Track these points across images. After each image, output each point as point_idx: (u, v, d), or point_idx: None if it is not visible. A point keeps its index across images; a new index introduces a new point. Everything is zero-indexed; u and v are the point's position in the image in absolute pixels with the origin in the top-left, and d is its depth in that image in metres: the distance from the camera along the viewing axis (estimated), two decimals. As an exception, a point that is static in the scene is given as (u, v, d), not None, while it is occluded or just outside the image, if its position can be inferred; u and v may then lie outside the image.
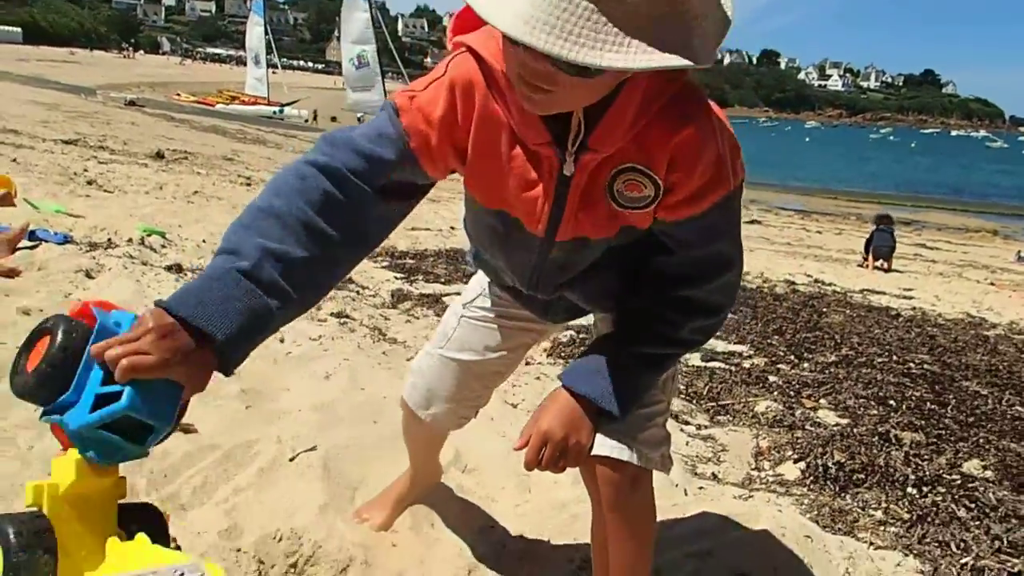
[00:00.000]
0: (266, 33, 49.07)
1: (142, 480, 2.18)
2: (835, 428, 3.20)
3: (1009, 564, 2.13)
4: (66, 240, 4.85)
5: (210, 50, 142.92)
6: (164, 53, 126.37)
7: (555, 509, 2.24)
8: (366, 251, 1.37)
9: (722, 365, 4.18)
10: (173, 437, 2.41)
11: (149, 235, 5.35)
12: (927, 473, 2.75)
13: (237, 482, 2.24)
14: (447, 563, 1.99)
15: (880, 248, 11.48)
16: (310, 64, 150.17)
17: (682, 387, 3.68)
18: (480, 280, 1.77)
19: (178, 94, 46.31)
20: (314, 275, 1.27)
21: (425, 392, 1.83)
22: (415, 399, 1.85)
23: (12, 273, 4.03)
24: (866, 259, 11.49)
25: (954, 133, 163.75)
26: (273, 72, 50.78)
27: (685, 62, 1.06)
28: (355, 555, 1.95)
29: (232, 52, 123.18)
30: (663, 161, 1.30)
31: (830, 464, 2.76)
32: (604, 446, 1.50)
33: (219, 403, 2.73)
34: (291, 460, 2.34)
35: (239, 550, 1.94)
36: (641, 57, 1.05)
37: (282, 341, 3.57)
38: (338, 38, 49.62)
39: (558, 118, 1.27)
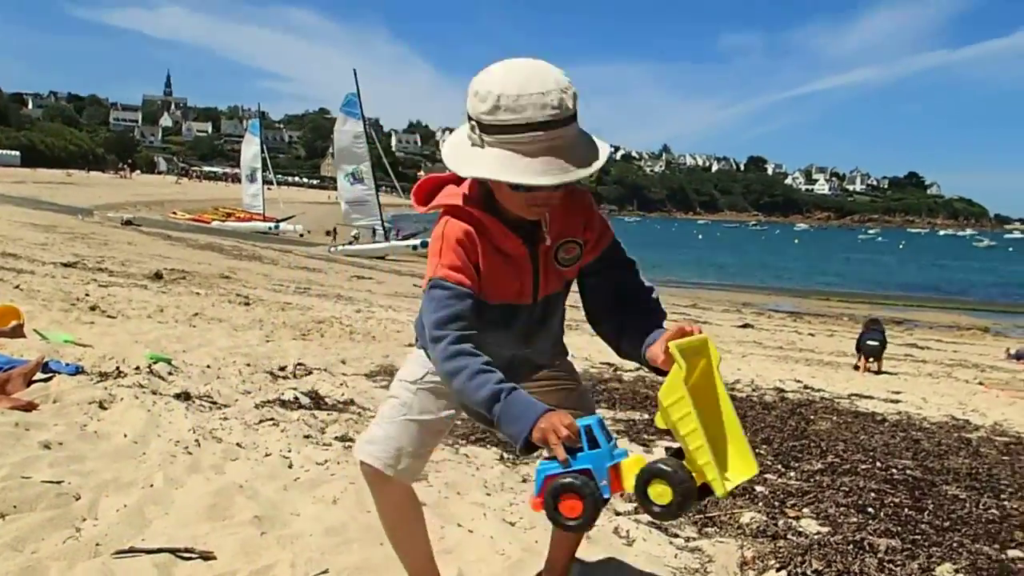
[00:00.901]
0: (262, 151, 50.30)
1: (168, 606, 2.35)
2: (815, 537, 3.37)
3: (972, 665, 2.29)
4: (78, 371, 5.04)
5: (206, 168, 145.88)
6: (161, 172, 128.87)
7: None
8: None
9: (711, 477, 4.34)
10: (194, 565, 2.60)
11: (156, 362, 5.56)
12: (900, 579, 2.92)
13: (256, 604, 2.41)
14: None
15: (870, 348, 11.68)
16: (305, 180, 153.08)
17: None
18: (422, 361, 2.29)
19: (174, 212, 47.16)
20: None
21: (395, 452, 2.23)
22: (385, 458, 2.22)
23: (30, 407, 4.23)
24: (859, 361, 11.68)
25: (941, 232, 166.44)
26: (268, 188, 51.82)
27: (601, 158, 2.00)
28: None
29: (227, 169, 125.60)
30: (580, 227, 2.20)
31: (809, 572, 2.93)
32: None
33: (235, 530, 2.91)
34: (305, 583, 2.51)
35: (260, 670, 2.09)
36: (593, 165, 1.98)
37: (290, 467, 3.76)
38: (332, 155, 50.84)
39: (521, 227, 2.10)
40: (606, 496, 1.80)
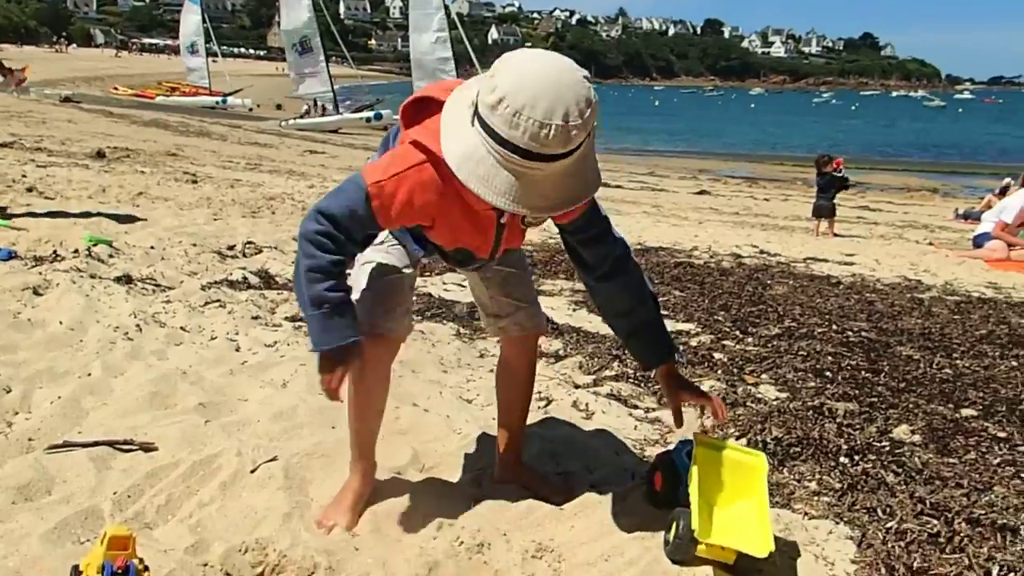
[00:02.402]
0: (204, 21, 48.22)
1: (107, 502, 2.25)
2: (774, 403, 3.35)
3: (929, 525, 2.28)
4: (11, 256, 4.83)
5: (146, 40, 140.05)
6: (98, 46, 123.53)
7: (509, 501, 2.35)
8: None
9: (669, 345, 4.31)
10: (134, 457, 2.49)
11: (96, 245, 5.34)
12: (858, 442, 2.90)
13: (200, 497, 2.32)
14: (408, 563, 2.09)
15: (816, 207, 11.72)
16: (251, 51, 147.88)
17: (630, 371, 3.80)
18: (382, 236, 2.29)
19: (115, 88, 45.43)
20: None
21: (385, 308, 2.25)
22: (377, 315, 2.23)
23: None
24: (814, 225, 11.73)
25: (894, 94, 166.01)
26: (213, 61, 49.98)
27: (575, 200, 1.91)
28: (319, 561, 2.04)
29: (169, 42, 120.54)
30: None
31: (768, 440, 2.91)
32: (541, 323, 2.51)
33: (178, 419, 2.80)
34: (252, 472, 2.42)
35: (206, 564, 2.01)
36: (563, 205, 1.89)
37: (237, 350, 3.64)
38: (278, 23, 48.94)
39: None
40: None
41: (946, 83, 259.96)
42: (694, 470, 2.08)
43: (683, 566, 2.02)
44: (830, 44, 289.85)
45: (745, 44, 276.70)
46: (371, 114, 36.99)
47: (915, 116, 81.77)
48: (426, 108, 2.02)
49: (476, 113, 1.80)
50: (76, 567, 1.81)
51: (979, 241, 9.80)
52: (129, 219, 6.57)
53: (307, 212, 2.05)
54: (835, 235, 11.38)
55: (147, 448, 2.56)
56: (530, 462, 2.68)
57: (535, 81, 1.74)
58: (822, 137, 47.69)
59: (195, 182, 10.08)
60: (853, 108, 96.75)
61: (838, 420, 3.12)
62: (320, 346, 2.03)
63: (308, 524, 2.22)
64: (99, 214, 6.58)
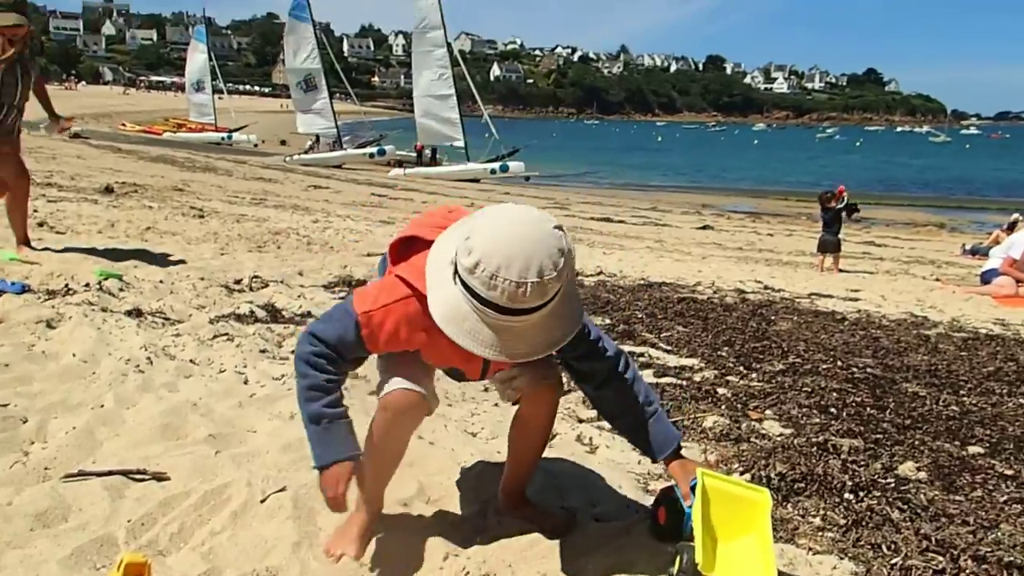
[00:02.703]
0: (210, 59, 48.77)
1: (121, 530, 2.29)
2: (778, 439, 3.38)
3: (935, 562, 2.30)
4: (24, 289, 4.89)
5: (154, 78, 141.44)
6: (107, 83, 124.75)
7: (514, 535, 2.37)
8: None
9: (673, 380, 4.35)
10: (147, 486, 2.53)
11: (106, 279, 5.40)
12: (863, 479, 2.92)
13: (212, 526, 2.35)
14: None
15: (822, 242, 11.79)
16: (256, 88, 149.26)
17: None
18: None
19: (123, 124, 45.86)
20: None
21: (417, 373, 2.27)
22: (412, 377, 2.24)
23: None
24: (819, 260, 11.80)
25: (899, 129, 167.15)
26: (219, 98, 50.47)
27: (560, 341, 2.01)
28: (329, 591, 2.07)
29: (176, 79, 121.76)
30: None
31: (772, 475, 2.93)
32: (552, 375, 2.46)
33: (189, 450, 2.83)
34: (262, 502, 2.45)
35: (218, 593, 2.04)
36: (548, 348, 2.00)
37: (246, 383, 3.67)
38: (283, 61, 49.49)
39: None
40: None
41: (951, 118, 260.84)
42: (698, 504, 2.11)
43: None
44: (833, 80, 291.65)
45: (748, 80, 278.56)
46: (374, 150, 37.25)
47: (920, 151, 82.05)
48: (413, 246, 2.19)
49: (456, 273, 1.92)
50: None
51: (987, 277, 9.82)
52: (138, 254, 6.63)
53: (299, 336, 2.19)
54: (840, 271, 11.44)
55: (159, 478, 2.59)
56: (534, 496, 2.71)
57: (508, 242, 1.84)
58: (826, 172, 47.86)
59: (202, 217, 10.17)
60: (857, 144, 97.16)
61: (843, 456, 3.14)
62: (321, 462, 2.12)
63: (317, 553, 2.25)
64: (107, 249, 6.66)
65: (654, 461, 2.32)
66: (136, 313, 4.64)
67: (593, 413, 3.75)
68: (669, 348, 5.14)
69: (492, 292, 1.84)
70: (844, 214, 12.06)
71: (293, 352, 2.30)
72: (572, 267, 1.93)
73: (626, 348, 5.02)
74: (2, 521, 2.28)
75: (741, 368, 4.70)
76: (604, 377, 2.32)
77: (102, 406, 3.20)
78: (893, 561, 2.32)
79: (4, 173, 6.09)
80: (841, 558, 2.39)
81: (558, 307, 1.94)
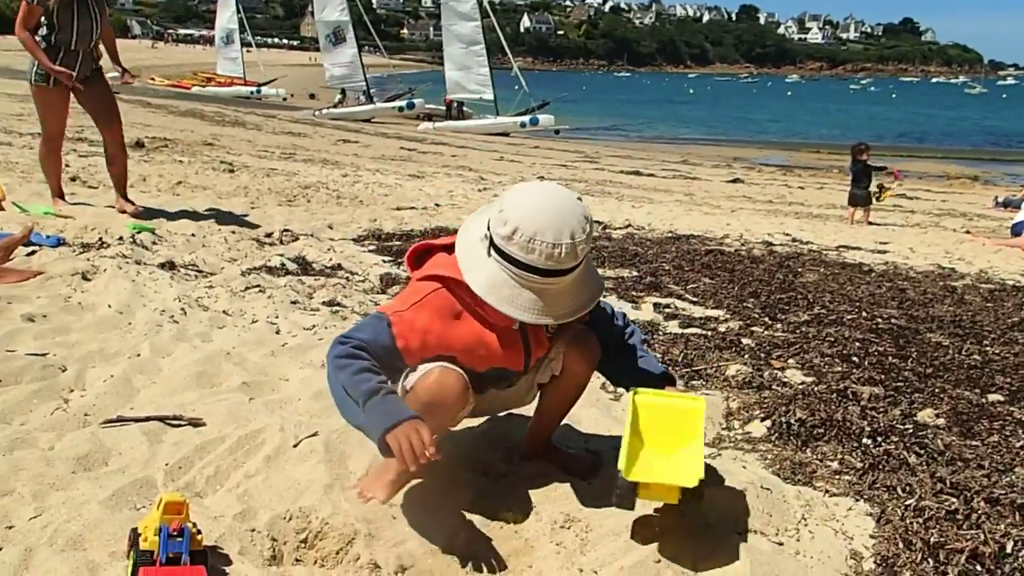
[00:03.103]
0: (238, 12, 48.64)
1: (159, 473, 2.39)
2: (799, 387, 3.42)
3: (948, 503, 2.34)
4: (59, 243, 4.99)
5: (182, 31, 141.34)
6: (135, 37, 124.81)
7: (539, 477, 2.45)
8: None
9: (698, 331, 4.39)
10: (183, 431, 2.63)
11: (140, 232, 5.50)
12: (882, 424, 2.96)
13: (247, 469, 2.45)
14: (443, 531, 2.20)
15: (852, 196, 11.71)
16: (284, 41, 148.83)
17: (659, 355, 3.88)
18: None
19: (152, 78, 45.96)
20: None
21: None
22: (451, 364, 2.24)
23: (36, 274, 4.26)
24: (849, 213, 11.74)
25: (934, 80, 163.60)
26: (248, 51, 50.39)
27: (586, 305, 2.19)
28: (359, 528, 2.15)
29: (204, 32, 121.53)
30: None
31: (792, 421, 2.98)
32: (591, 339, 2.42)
33: (224, 397, 2.93)
34: (295, 446, 2.54)
35: (254, 530, 2.14)
36: (578, 311, 2.17)
37: (278, 333, 3.77)
38: (312, 13, 49.25)
39: None
40: None
41: (988, 69, 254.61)
42: (628, 418, 2.23)
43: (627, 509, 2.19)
44: (868, 30, 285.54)
45: (781, 30, 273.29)
46: (404, 103, 37.12)
47: (956, 103, 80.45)
48: (428, 254, 2.31)
49: (492, 245, 2.09)
50: (135, 529, 1.94)
51: (1017, 229, 9.69)
52: (170, 207, 6.73)
53: (332, 343, 2.14)
54: (870, 223, 11.34)
55: (195, 423, 2.69)
56: (559, 441, 2.78)
57: (540, 210, 2.05)
58: (859, 125, 47.15)
59: (232, 171, 10.25)
60: (892, 95, 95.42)
61: (862, 403, 3.18)
62: (391, 419, 1.98)
63: (348, 495, 2.33)
64: (139, 203, 6.76)
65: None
66: (169, 266, 4.74)
67: (617, 362, 3.81)
68: (695, 299, 5.17)
69: (531, 255, 2.02)
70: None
71: (326, 348, 2.21)
72: (594, 235, 2.12)
73: (652, 299, 5.09)
74: (45, 464, 2.39)
75: (766, 319, 4.73)
76: (614, 344, 2.46)
77: (138, 355, 3.30)
78: (907, 502, 2.37)
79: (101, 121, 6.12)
80: (856, 500, 2.44)
81: (583, 274, 2.14)
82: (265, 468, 2.45)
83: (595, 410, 3.09)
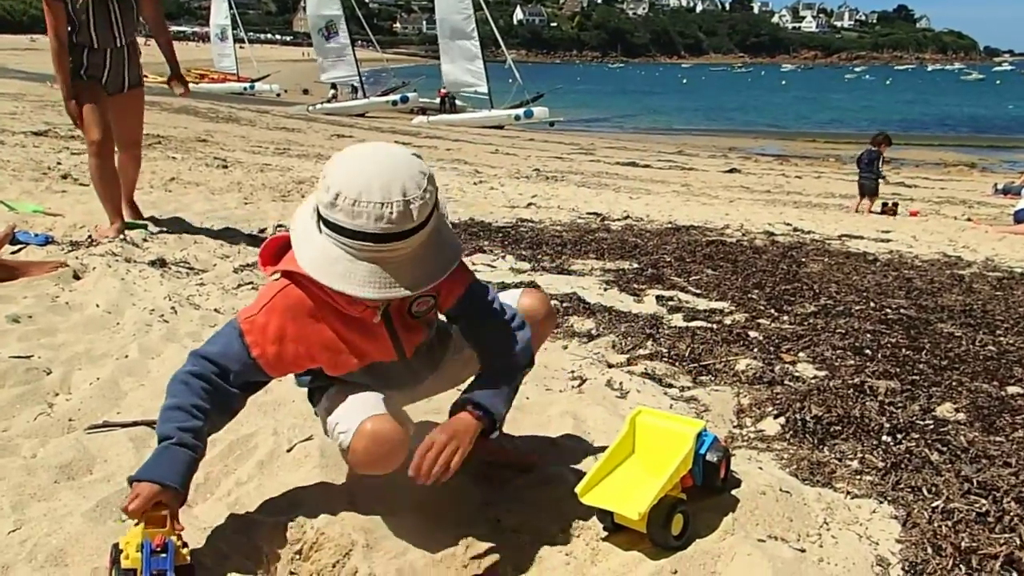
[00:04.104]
0: (231, 7, 48.45)
1: (147, 481, 2.26)
2: (813, 382, 3.30)
3: (977, 505, 2.23)
4: (47, 241, 4.88)
5: (174, 28, 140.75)
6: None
7: (546, 486, 2.33)
8: (232, 417, 2.08)
9: (704, 324, 4.27)
10: (173, 436, 2.49)
11: (131, 229, 5.38)
12: (901, 420, 2.85)
13: (238, 476, 2.33)
14: (445, 541, 2.08)
15: (863, 186, 11.74)
16: (277, 37, 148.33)
17: (665, 350, 3.77)
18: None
19: (146, 75, 45.59)
20: (207, 431, 1.98)
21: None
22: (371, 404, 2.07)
23: (61, 265, 4.27)
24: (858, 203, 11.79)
25: (930, 68, 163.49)
26: (241, 47, 50.22)
27: (439, 273, 1.90)
28: (357, 539, 2.04)
29: (197, 29, 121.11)
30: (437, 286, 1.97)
31: (808, 418, 2.86)
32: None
33: (214, 399, 2.80)
34: (288, 451, 2.42)
35: (246, 541, 2.02)
36: (429, 280, 1.88)
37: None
38: (304, 8, 49.01)
39: None
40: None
41: (984, 55, 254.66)
42: (618, 438, 2.17)
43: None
44: (863, 18, 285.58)
45: (775, 19, 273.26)
46: (397, 97, 36.97)
47: (952, 90, 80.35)
48: (286, 248, 2.01)
49: (319, 219, 1.83)
50: (116, 545, 1.82)
51: (1020, 216, 9.64)
52: (162, 204, 6.62)
53: (187, 358, 2.00)
54: (871, 212, 11.28)
55: (185, 429, 2.57)
56: (562, 440, 2.67)
57: (364, 168, 1.79)
58: (855, 113, 47.07)
59: (225, 167, 10.14)
60: (887, 83, 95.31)
61: (879, 398, 3.06)
62: (137, 475, 1.86)
63: (345, 503, 2.22)
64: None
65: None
66: (160, 263, 4.62)
67: (623, 358, 3.69)
68: (698, 291, 5.06)
69: (358, 220, 1.76)
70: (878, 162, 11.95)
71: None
72: (436, 193, 1.87)
73: (655, 292, 4.97)
74: (26, 474, 2.27)
75: (772, 311, 4.62)
76: (473, 343, 2.19)
77: (127, 356, 3.18)
78: (934, 504, 2.26)
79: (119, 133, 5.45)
80: (880, 501, 2.32)
81: (431, 238, 1.87)
82: (258, 474, 2.33)
83: (601, 409, 2.97)
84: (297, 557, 2.03)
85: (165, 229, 5.62)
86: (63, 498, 2.18)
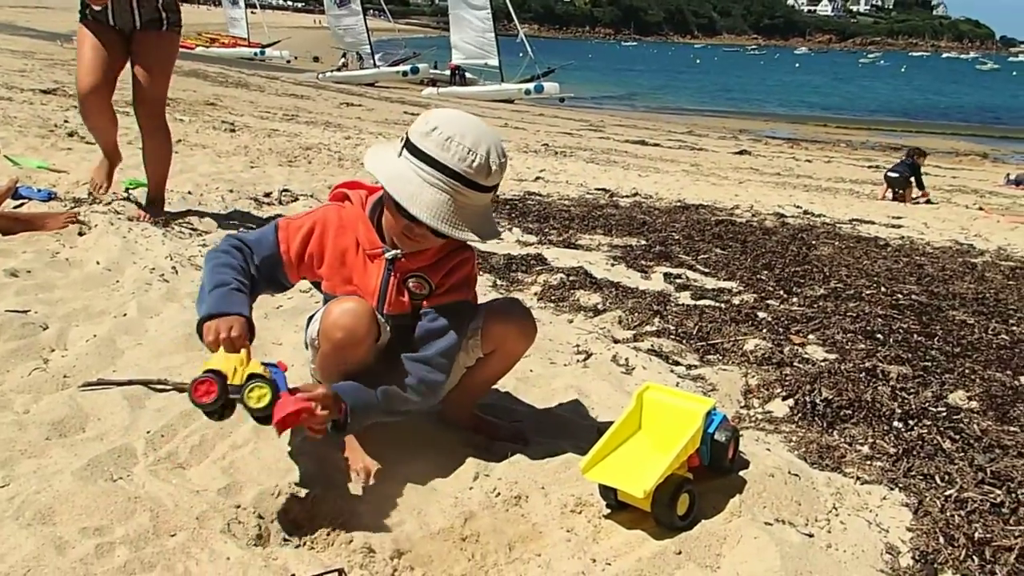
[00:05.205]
0: (244, -29, 48.10)
1: (140, 441, 2.21)
2: (823, 364, 3.24)
3: (992, 495, 2.17)
4: (50, 197, 4.81)
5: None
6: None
7: (546, 457, 2.28)
8: (256, 296, 2.13)
9: (712, 303, 4.21)
10: (168, 397, 2.45)
11: (135, 188, 5.31)
12: (913, 407, 2.79)
13: (234, 439, 2.27)
14: (443, 512, 2.03)
15: (889, 178, 11.74)
16: (289, 3, 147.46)
17: (672, 327, 3.70)
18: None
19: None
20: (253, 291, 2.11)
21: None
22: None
23: (75, 217, 4.23)
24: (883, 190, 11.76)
25: (945, 56, 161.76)
26: (252, 12, 49.91)
27: (476, 237, 2.04)
28: (354, 507, 1.99)
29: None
30: (442, 272, 2.18)
31: (818, 401, 2.80)
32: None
33: (212, 360, 2.74)
34: (286, 415, 2.35)
35: (239, 506, 1.96)
36: (467, 235, 2.02)
37: (273, 295, 3.58)
38: (317, -25, 48.58)
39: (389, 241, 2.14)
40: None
41: (1000, 45, 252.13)
42: (626, 411, 2.13)
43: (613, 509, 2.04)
44: (879, 3, 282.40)
45: (791, 2, 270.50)
46: (407, 68, 36.70)
47: (966, 79, 79.61)
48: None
49: (405, 146, 2.02)
50: (214, 371, 1.86)
51: (1034, 206, 9.54)
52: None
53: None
54: (911, 201, 11.31)
55: (181, 389, 2.51)
56: (567, 415, 2.61)
57: (467, 120, 2.04)
58: (867, 99, 46.71)
59: (233, 131, 10.06)
60: (901, 70, 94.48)
61: (891, 383, 3.00)
62: (216, 310, 1.96)
63: (342, 468, 2.16)
64: (137, 160, 6.55)
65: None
66: (163, 223, 4.55)
67: (629, 334, 3.64)
68: (707, 270, 4.99)
69: (444, 153, 1.96)
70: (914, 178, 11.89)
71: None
72: (504, 171, 2.06)
73: (662, 269, 4.91)
74: (17, 429, 2.21)
75: (781, 292, 4.55)
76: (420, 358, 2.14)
77: (125, 315, 3.12)
78: (947, 493, 2.20)
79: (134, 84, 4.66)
80: (891, 488, 2.27)
81: (487, 209, 2.10)
82: (254, 439, 2.27)
83: (606, 384, 2.92)
84: (292, 525, 1.97)
85: (170, 189, 5.53)
86: (54, 455, 2.13)
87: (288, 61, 42.56)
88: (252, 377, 1.85)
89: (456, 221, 1.99)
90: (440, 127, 1.97)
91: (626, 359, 3.21)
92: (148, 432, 2.26)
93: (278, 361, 1.99)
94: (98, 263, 3.70)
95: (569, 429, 2.53)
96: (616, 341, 3.51)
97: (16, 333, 2.81)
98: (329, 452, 2.24)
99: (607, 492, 2.04)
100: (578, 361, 3.19)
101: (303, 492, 2.03)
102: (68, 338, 2.87)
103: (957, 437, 2.56)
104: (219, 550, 1.82)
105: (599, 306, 4.01)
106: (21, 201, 4.64)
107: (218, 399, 1.84)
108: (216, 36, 48.24)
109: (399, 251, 2.14)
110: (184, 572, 1.75)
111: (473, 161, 1.96)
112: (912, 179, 11.75)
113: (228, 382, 1.85)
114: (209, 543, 1.84)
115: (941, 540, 2.00)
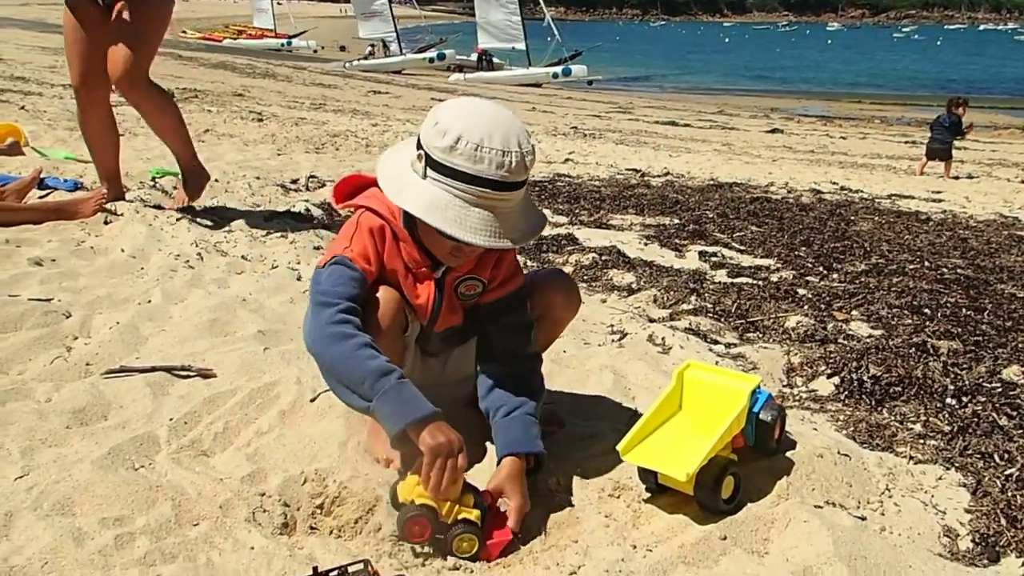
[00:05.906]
0: (268, -38, 48.24)
1: (163, 428, 2.15)
2: (869, 340, 3.11)
3: (1055, 474, 2.05)
4: (76, 187, 4.80)
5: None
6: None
7: (585, 438, 2.19)
8: None
9: (749, 280, 4.09)
10: (192, 383, 2.39)
11: (162, 176, 5.29)
12: (966, 382, 2.66)
13: (259, 425, 2.20)
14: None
15: (929, 148, 11.42)
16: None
17: (710, 305, 3.59)
18: None
19: (184, 31, 45.80)
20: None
21: None
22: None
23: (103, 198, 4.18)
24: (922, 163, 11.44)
25: (982, 27, 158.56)
26: (278, 3, 50.06)
27: (532, 235, 1.94)
28: (381, 494, 1.91)
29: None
30: (489, 265, 2.08)
31: (865, 378, 2.68)
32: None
33: (237, 346, 2.68)
34: (312, 401, 2.28)
35: (264, 494, 1.89)
36: (524, 237, 1.91)
37: (299, 279, 3.52)
38: (343, -36, 48.61)
39: (430, 253, 2.01)
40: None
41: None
42: (665, 391, 2.03)
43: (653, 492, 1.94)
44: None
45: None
46: (434, 54, 36.61)
47: (1004, 51, 77.87)
48: (360, 191, 2.11)
49: (428, 164, 1.84)
50: (429, 508, 1.78)
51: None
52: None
53: (310, 311, 1.94)
54: (953, 177, 10.98)
55: (205, 375, 2.45)
56: (603, 396, 2.52)
57: (482, 115, 1.85)
58: (902, 74, 45.89)
59: (260, 120, 10.05)
60: (937, 43, 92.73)
61: (942, 358, 2.87)
62: (419, 414, 1.78)
63: (368, 456, 2.09)
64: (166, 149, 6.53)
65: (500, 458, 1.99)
66: (189, 210, 4.50)
67: (665, 312, 3.53)
68: (743, 248, 4.86)
69: (479, 165, 1.79)
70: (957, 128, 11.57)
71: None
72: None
73: (697, 248, 4.78)
74: (37, 418, 2.16)
75: (821, 268, 4.42)
76: (502, 352, 2.12)
77: (149, 301, 3.07)
78: (1007, 472, 2.08)
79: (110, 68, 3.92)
80: (947, 468, 2.15)
81: (527, 196, 1.94)
82: (279, 424, 2.20)
83: (643, 364, 2.81)
84: (319, 511, 1.90)
85: (196, 177, 5.50)
86: (74, 444, 2.07)
87: (315, 51, 42.66)
88: (460, 521, 1.79)
89: (508, 228, 1.85)
90: (463, 134, 1.79)
91: (663, 338, 3.11)
92: (171, 419, 2.19)
93: (483, 491, 1.88)
94: (123, 251, 3.66)
95: (605, 410, 2.43)
96: (652, 320, 3.40)
97: (39, 321, 2.76)
98: (355, 438, 2.16)
99: (647, 475, 1.94)
100: (613, 341, 3.10)
101: (330, 478, 1.95)
102: (91, 325, 2.82)
103: (1014, 413, 2.44)
104: (243, 539, 1.75)
105: (633, 285, 3.91)
106: (47, 191, 4.62)
107: (428, 540, 1.79)
108: (243, 28, 48.50)
109: (445, 266, 2.04)
110: (206, 563, 1.68)
111: (510, 163, 1.80)
112: (950, 139, 11.44)
113: (439, 518, 1.79)
114: (233, 532, 1.77)
115: (1003, 521, 1.88)
